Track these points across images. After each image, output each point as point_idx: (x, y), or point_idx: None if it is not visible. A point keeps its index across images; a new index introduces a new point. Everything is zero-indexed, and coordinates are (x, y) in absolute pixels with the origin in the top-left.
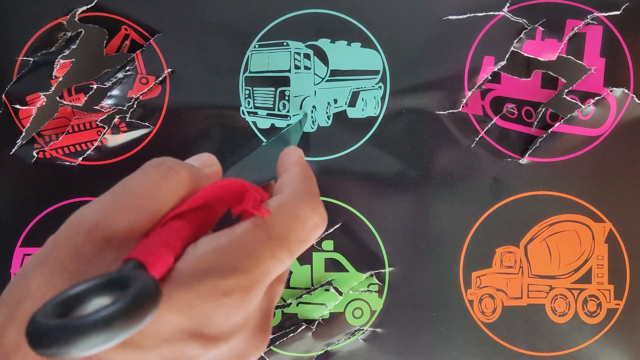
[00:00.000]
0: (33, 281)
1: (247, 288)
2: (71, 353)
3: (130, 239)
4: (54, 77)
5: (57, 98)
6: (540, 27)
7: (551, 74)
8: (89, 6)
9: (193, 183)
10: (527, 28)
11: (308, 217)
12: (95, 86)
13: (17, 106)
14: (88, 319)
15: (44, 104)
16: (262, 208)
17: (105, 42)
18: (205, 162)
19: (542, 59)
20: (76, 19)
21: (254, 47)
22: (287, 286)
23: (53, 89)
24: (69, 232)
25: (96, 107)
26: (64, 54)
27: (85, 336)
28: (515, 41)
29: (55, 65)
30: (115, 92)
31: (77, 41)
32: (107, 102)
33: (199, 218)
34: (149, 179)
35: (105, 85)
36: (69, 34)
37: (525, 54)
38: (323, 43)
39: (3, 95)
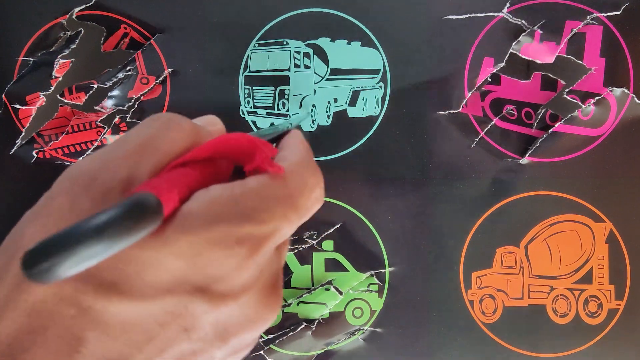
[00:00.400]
0: (27, 232)
1: (260, 240)
2: (62, 268)
3: (130, 191)
4: (54, 77)
5: (58, 96)
6: (538, 30)
7: (551, 75)
8: (87, 5)
9: (196, 137)
10: (526, 30)
11: (314, 187)
12: (95, 85)
13: (17, 106)
14: (79, 227)
15: (43, 103)
16: (277, 165)
17: (103, 39)
18: (209, 121)
19: (539, 62)
20: (74, 17)
21: (254, 46)
22: (288, 286)
23: (53, 88)
24: (65, 184)
25: (96, 108)
26: (63, 53)
27: (76, 245)
28: (513, 44)
29: (55, 65)
30: (115, 92)
31: (77, 40)
32: (108, 103)
33: (205, 170)
34: (149, 129)
35: (105, 85)
36: (68, 33)
37: (524, 57)
38: (323, 42)
39: (3, 95)
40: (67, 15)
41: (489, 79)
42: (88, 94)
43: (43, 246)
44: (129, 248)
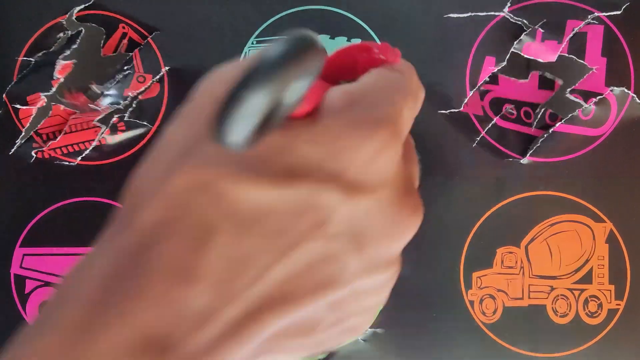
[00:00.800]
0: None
1: (394, 123)
2: (255, 113)
3: None
4: (55, 78)
5: (57, 97)
6: (540, 29)
7: (547, 75)
8: (87, 4)
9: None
10: (527, 29)
11: (417, 80)
12: (94, 87)
13: (18, 106)
14: (251, 65)
15: (44, 104)
16: (393, 52)
17: (102, 41)
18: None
19: (541, 61)
20: (74, 17)
21: (252, 43)
22: None
23: (54, 89)
24: (210, 87)
25: (91, 106)
26: (64, 54)
27: (255, 82)
28: (515, 43)
29: (56, 66)
30: (111, 91)
31: (78, 40)
32: (104, 102)
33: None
34: None
35: (103, 85)
36: (69, 32)
37: (525, 56)
38: (322, 39)
39: (4, 95)
40: (67, 15)
41: (487, 79)
42: (86, 94)
43: (231, 98)
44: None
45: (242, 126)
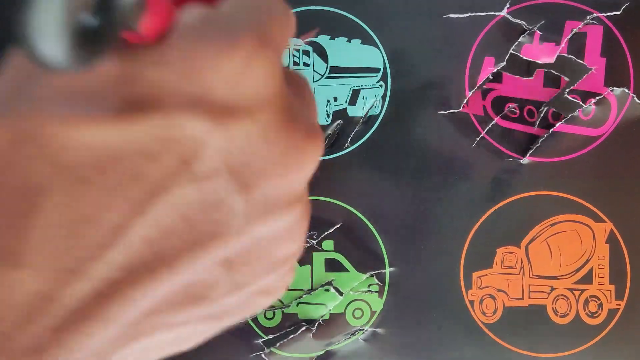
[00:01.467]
0: None
1: (263, 35)
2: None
3: None
4: None
5: None
6: (538, 31)
7: (554, 72)
8: None
9: None
10: (526, 30)
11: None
12: None
13: None
14: None
15: None
16: None
17: None
18: None
19: (540, 62)
20: None
21: None
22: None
23: None
24: None
25: None
26: None
27: None
28: (513, 45)
29: None
30: None
31: None
32: None
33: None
34: None
35: None
36: None
37: (524, 57)
38: (322, 39)
39: None
40: None
41: (491, 77)
42: None
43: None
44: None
45: (52, 25)
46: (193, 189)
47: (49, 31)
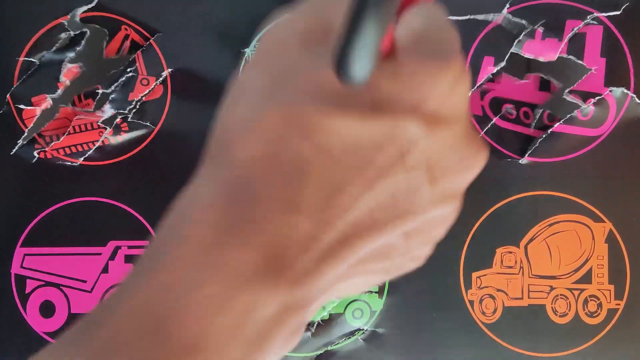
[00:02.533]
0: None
1: (462, 58)
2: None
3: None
4: (60, 81)
5: (70, 105)
6: (540, 28)
7: (544, 77)
8: (89, 6)
9: None
10: (527, 29)
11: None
12: (100, 91)
13: (22, 106)
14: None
15: (49, 106)
16: None
17: (105, 43)
18: None
19: (542, 59)
20: (77, 19)
21: (254, 46)
22: None
23: (60, 93)
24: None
25: (98, 113)
26: (69, 56)
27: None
28: (515, 42)
29: (62, 69)
30: (116, 95)
31: (83, 42)
32: (109, 107)
33: None
34: None
35: (108, 89)
36: (71, 33)
37: (526, 55)
38: None
39: (8, 95)
40: (69, 16)
41: (491, 76)
42: (96, 100)
43: (345, 44)
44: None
45: (364, 57)
46: (403, 176)
47: (365, 60)
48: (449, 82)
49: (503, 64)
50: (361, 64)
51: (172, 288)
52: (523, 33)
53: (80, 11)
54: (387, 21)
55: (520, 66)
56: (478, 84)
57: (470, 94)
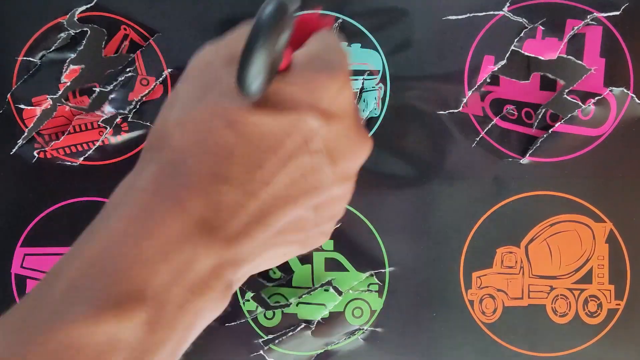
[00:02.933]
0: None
1: (347, 70)
2: (261, 71)
3: None
4: (62, 82)
5: (63, 100)
6: (540, 26)
7: (549, 76)
8: (88, 5)
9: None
10: (527, 27)
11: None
12: (98, 89)
13: (22, 106)
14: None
15: (49, 106)
16: (328, 18)
17: (104, 43)
18: None
19: (542, 58)
20: (75, 19)
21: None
22: (290, 285)
23: (61, 93)
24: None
25: (97, 112)
26: (71, 57)
27: (258, 42)
28: (515, 40)
29: (64, 70)
30: (116, 95)
31: (84, 42)
32: (109, 108)
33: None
34: None
35: (106, 88)
36: (71, 32)
37: (526, 53)
38: None
39: (8, 95)
40: (67, 16)
41: (488, 80)
42: (91, 98)
43: (243, 65)
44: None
45: (258, 77)
46: (308, 158)
47: (258, 79)
48: (336, 88)
49: (504, 62)
50: (253, 83)
51: (122, 240)
52: (524, 31)
53: (79, 10)
54: (273, 51)
55: (521, 65)
56: (478, 85)
57: (470, 93)
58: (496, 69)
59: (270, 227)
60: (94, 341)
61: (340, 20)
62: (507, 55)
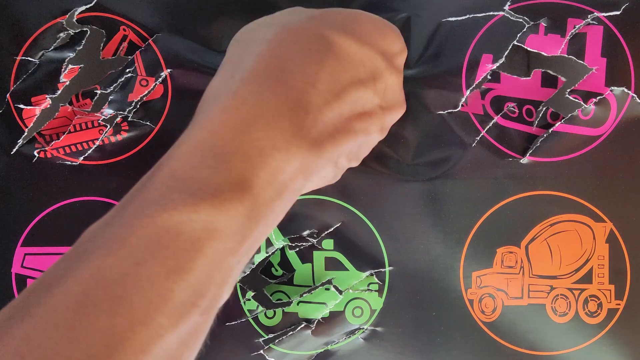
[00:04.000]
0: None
1: (402, 44)
2: None
3: None
4: (61, 81)
5: (68, 104)
6: (542, 23)
7: (550, 72)
8: (88, 6)
9: None
10: (528, 25)
11: None
12: (99, 91)
13: (22, 106)
14: None
15: (48, 106)
16: None
17: (102, 44)
18: None
19: (545, 54)
20: (74, 19)
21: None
22: (291, 283)
23: (59, 92)
24: None
25: (97, 114)
26: (70, 57)
27: None
28: (518, 36)
29: (63, 70)
30: (116, 96)
31: (84, 42)
32: (109, 109)
33: None
34: None
35: (107, 89)
36: (70, 32)
37: (528, 49)
38: None
39: (8, 95)
40: (67, 16)
41: (489, 77)
42: (94, 100)
43: None
44: None
45: None
46: (371, 93)
47: None
48: (400, 46)
49: (502, 60)
50: None
51: (222, 132)
52: (526, 26)
53: (79, 11)
54: None
55: (520, 64)
56: (476, 83)
57: (470, 92)
58: (495, 66)
59: (339, 145)
60: (191, 228)
61: None
62: (507, 52)
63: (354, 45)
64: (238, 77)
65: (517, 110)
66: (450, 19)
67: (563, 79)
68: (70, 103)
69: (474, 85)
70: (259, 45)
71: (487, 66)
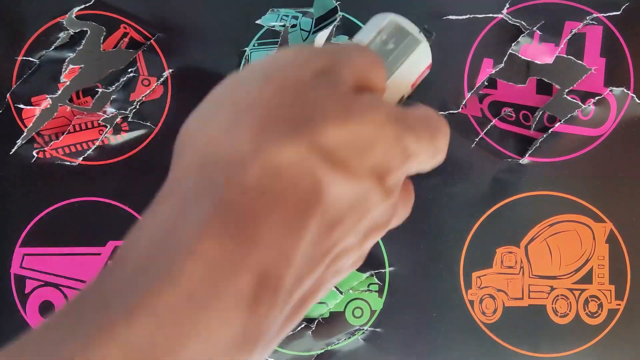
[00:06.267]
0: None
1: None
2: None
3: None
4: (61, 81)
5: (67, 101)
6: (538, 31)
7: (545, 80)
8: (87, 4)
9: None
10: (525, 30)
11: None
12: (100, 90)
13: (21, 106)
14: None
15: (48, 106)
16: None
17: (103, 38)
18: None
19: (538, 62)
20: (73, 16)
21: (254, 45)
22: None
23: (60, 92)
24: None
25: (99, 113)
26: (70, 56)
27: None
28: (512, 44)
29: (64, 70)
30: (117, 96)
31: (83, 41)
32: (111, 108)
33: None
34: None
35: (109, 89)
36: (70, 31)
37: (523, 57)
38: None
39: (8, 95)
40: (67, 15)
41: (486, 83)
42: (94, 98)
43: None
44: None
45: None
46: (369, 222)
47: None
48: (399, 161)
49: (502, 65)
50: None
51: (154, 342)
52: (521, 35)
53: (77, 9)
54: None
55: (520, 69)
56: (476, 87)
57: (469, 95)
58: (494, 72)
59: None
60: None
61: (340, 16)
62: (505, 58)
63: (346, 185)
64: (188, 240)
65: (514, 115)
66: (451, 17)
67: (558, 86)
68: (71, 100)
69: (474, 89)
70: (219, 174)
71: (487, 70)
